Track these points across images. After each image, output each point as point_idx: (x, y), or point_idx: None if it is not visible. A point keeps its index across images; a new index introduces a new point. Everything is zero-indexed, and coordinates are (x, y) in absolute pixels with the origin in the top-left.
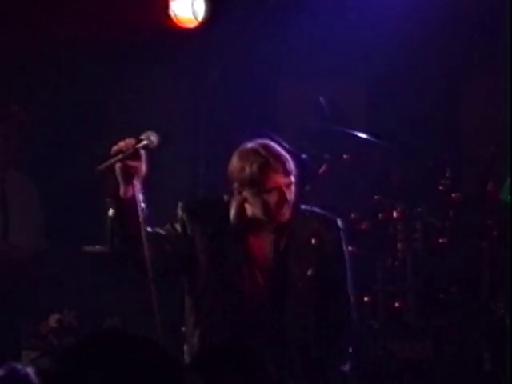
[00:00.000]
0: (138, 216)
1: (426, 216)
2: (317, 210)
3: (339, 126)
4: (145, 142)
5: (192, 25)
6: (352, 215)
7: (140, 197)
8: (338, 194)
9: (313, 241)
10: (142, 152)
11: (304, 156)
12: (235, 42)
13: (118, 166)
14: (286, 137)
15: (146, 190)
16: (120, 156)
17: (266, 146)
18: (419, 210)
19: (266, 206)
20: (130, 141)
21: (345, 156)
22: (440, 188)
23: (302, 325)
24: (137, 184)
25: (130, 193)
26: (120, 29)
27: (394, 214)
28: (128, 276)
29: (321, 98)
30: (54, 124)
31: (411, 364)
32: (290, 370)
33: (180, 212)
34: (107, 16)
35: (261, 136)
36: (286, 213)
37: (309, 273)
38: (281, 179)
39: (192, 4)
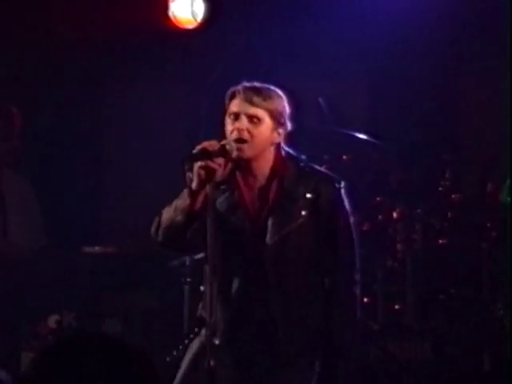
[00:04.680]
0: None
1: (425, 217)
2: (318, 167)
3: (339, 127)
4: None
5: (191, 26)
6: (351, 216)
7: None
8: None
9: (307, 195)
10: (228, 151)
11: (303, 157)
12: (234, 43)
13: (198, 165)
14: (286, 137)
15: None
16: (214, 147)
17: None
18: (419, 210)
19: (226, 133)
20: (214, 142)
21: (344, 157)
22: (440, 189)
23: (287, 286)
24: (213, 184)
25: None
26: (119, 29)
27: (394, 215)
28: (127, 277)
29: (320, 99)
30: (54, 124)
31: (411, 365)
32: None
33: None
34: (107, 17)
35: None
36: (241, 149)
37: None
38: (241, 106)
39: (191, 5)
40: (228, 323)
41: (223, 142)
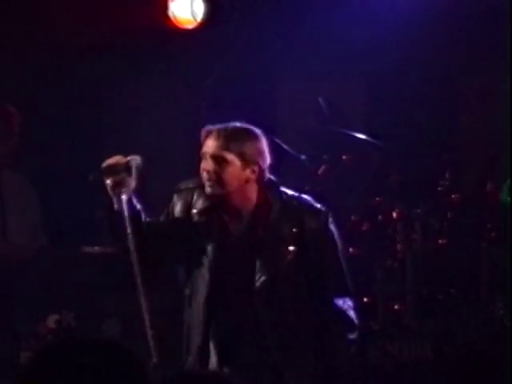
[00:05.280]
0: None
1: (425, 217)
2: (306, 198)
3: (338, 127)
4: (134, 158)
5: (191, 25)
6: (351, 216)
7: (130, 208)
8: (337, 194)
9: (293, 230)
10: (133, 168)
11: (303, 157)
12: (234, 43)
13: (107, 180)
14: (285, 138)
15: (142, 199)
16: (111, 170)
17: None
18: (418, 210)
19: (199, 173)
20: (121, 159)
21: (344, 157)
22: (439, 189)
23: (277, 320)
24: (124, 198)
25: (118, 206)
26: (119, 29)
27: (393, 215)
28: (127, 277)
29: (320, 99)
30: (53, 124)
31: (410, 365)
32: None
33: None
34: (106, 17)
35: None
36: (211, 186)
37: (284, 262)
38: (210, 148)
39: (191, 5)
40: (220, 347)
41: (128, 158)
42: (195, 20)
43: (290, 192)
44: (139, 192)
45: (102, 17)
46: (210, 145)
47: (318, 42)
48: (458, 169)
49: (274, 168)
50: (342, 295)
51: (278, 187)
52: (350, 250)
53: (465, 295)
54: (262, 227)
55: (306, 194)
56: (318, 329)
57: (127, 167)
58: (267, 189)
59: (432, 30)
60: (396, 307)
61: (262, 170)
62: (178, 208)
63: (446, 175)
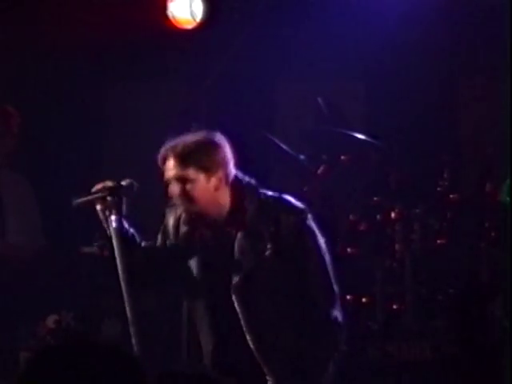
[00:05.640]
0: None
1: (424, 217)
2: (285, 197)
3: (337, 127)
4: (124, 184)
5: (190, 26)
6: (350, 216)
7: (119, 232)
8: (336, 195)
9: (270, 229)
10: (121, 196)
11: (302, 157)
12: (233, 43)
13: (97, 205)
14: (285, 138)
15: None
16: (98, 195)
17: (176, 140)
18: (417, 211)
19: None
20: (109, 183)
21: (343, 157)
22: (438, 189)
23: (256, 320)
24: (113, 221)
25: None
26: (118, 30)
27: (393, 215)
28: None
29: (319, 99)
30: (53, 124)
31: (409, 365)
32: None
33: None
34: (105, 17)
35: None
36: (188, 205)
37: (261, 260)
38: (170, 171)
39: (190, 5)
40: (213, 348)
41: (122, 183)
42: (194, 20)
43: (269, 193)
44: (133, 213)
45: (102, 17)
46: (169, 168)
47: (318, 42)
48: (456, 169)
49: (253, 167)
50: (325, 292)
51: (256, 189)
52: (349, 249)
53: (463, 295)
54: (238, 228)
55: (304, 194)
56: (300, 328)
57: (118, 191)
58: (243, 191)
59: (432, 30)
60: (395, 307)
61: (227, 174)
62: (170, 223)
63: (445, 175)
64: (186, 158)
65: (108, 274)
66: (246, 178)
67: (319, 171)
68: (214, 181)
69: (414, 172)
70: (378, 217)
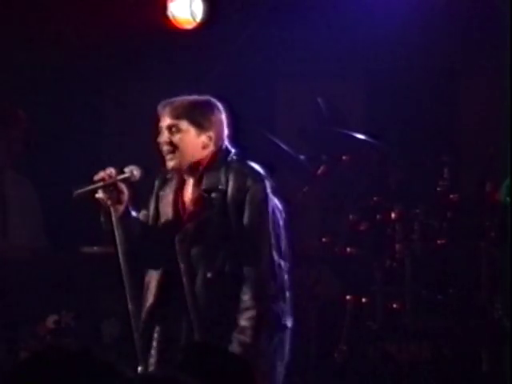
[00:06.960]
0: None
1: (424, 217)
2: (250, 164)
3: (337, 128)
4: (126, 175)
5: (190, 26)
6: (350, 216)
7: (124, 220)
8: (336, 195)
9: (220, 187)
10: (123, 185)
11: (302, 157)
12: (233, 44)
13: (98, 194)
14: (285, 138)
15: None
16: (99, 184)
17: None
18: (417, 211)
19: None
20: (112, 171)
21: (343, 157)
22: (438, 189)
23: (198, 277)
24: (116, 211)
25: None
26: (118, 30)
27: (392, 215)
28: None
29: (319, 100)
30: (53, 125)
31: (409, 365)
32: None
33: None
34: (105, 17)
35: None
36: (170, 159)
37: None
38: (163, 121)
39: (190, 5)
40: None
41: (118, 179)
42: (194, 20)
43: (237, 157)
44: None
45: (102, 17)
46: (162, 119)
47: (318, 42)
48: (456, 169)
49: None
50: (258, 263)
51: (231, 152)
52: (349, 249)
53: (463, 295)
54: (193, 185)
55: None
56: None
57: (120, 179)
58: (220, 154)
59: (432, 30)
60: (395, 307)
61: (218, 137)
62: (155, 191)
63: (445, 175)
64: (181, 111)
65: (108, 274)
66: (231, 149)
67: (319, 171)
68: (203, 138)
69: (413, 172)
70: (378, 217)
